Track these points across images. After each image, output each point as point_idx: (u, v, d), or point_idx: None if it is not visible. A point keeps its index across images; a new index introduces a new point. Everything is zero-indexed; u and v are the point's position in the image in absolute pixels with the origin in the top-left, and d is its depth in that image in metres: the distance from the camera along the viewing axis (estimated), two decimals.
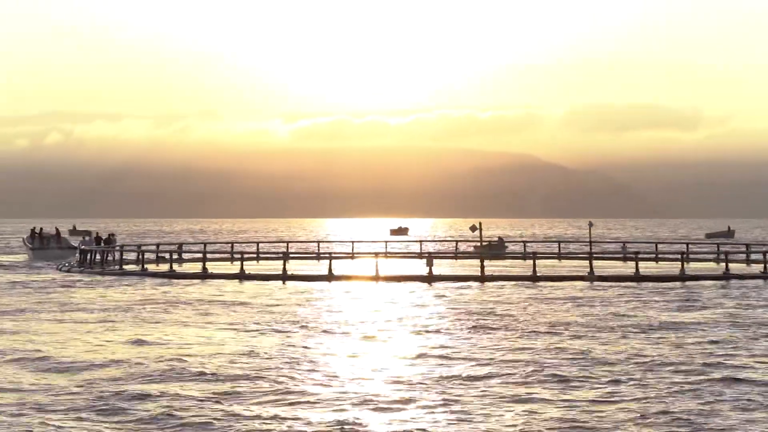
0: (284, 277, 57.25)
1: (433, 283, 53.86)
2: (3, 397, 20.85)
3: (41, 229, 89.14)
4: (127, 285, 53.59)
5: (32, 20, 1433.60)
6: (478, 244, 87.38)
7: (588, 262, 68.06)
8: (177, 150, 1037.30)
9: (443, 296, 46.18)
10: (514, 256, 77.72)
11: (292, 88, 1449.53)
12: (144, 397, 20.64)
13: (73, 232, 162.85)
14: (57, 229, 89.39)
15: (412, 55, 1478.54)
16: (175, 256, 70.48)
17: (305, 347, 28.60)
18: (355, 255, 74.61)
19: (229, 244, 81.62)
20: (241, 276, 58.23)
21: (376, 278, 55.84)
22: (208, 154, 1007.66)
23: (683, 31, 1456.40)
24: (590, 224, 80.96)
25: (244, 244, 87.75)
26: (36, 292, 49.23)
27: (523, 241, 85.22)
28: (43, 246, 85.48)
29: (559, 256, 76.02)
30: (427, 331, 32.42)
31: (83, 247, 70.20)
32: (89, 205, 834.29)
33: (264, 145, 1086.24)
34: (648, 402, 20.03)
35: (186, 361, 25.46)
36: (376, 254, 62.00)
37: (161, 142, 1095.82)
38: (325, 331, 32.69)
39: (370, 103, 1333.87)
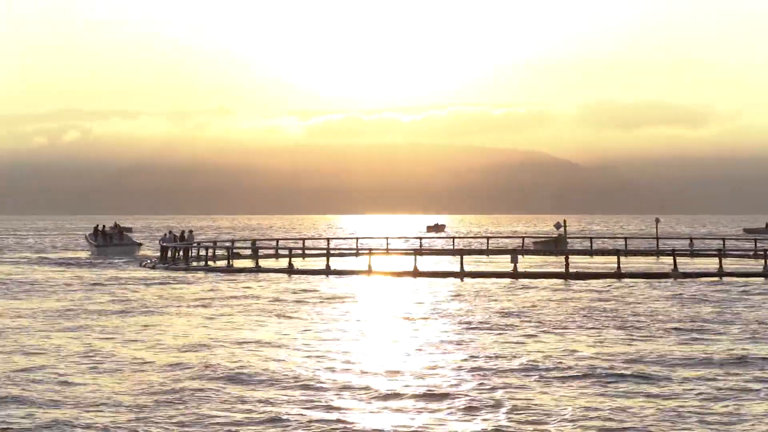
0: (415, 273, 56.99)
1: (519, 280, 53.68)
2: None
3: (104, 226, 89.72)
4: (233, 280, 53.95)
5: (50, 19, 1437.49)
6: (538, 240, 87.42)
7: (657, 258, 68.25)
8: (192, 147, 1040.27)
9: (545, 294, 45.92)
10: (579, 252, 77.38)
11: (305, 86, 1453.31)
12: None
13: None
14: (119, 227, 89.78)
15: (424, 53, 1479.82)
16: (243, 252, 71.18)
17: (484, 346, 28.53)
18: (423, 252, 74.49)
19: (301, 240, 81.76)
20: (328, 272, 58.50)
21: (461, 275, 55.74)
22: (222, 150, 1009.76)
23: (693, 29, 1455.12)
24: (657, 221, 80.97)
25: (316, 241, 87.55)
26: (152, 288, 49.31)
27: (590, 237, 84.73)
28: (106, 243, 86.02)
29: (626, 252, 75.71)
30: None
31: (164, 244, 70.55)
32: (105, 201, 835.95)
33: (277, 141, 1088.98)
34: None
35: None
36: (460, 251, 62.08)
37: (176, 139, 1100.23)
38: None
39: (382, 100, 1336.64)
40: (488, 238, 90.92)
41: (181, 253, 67.86)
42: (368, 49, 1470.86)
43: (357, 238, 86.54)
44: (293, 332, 31.56)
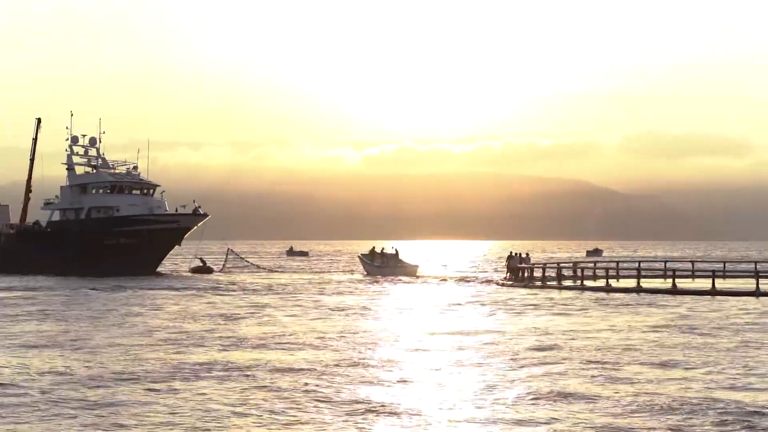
0: (714, 292, 56.53)
1: None
2: None
3: (383, 248, 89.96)
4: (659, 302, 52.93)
5: (119, 55, 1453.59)
6: None
7: None
8: (255, 176, 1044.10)
9: None
10: None
11: (361, 117, 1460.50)
12: None
13: (290, 252, 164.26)
14: (396, 249, 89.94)
15: (474, 86, 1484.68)
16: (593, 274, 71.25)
17: None
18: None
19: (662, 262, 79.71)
20: (714, 293, 57.68)
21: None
22: (284, 179, 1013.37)
23: (734, 66, 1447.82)
24: None
25: (676, 262, 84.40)
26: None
27: None
28: (384, 264, 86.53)
29: None
30: None
31: (519, 265, 70.92)
32: None
33: (336, 171, 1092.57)
34: None
35: None
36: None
37: (240, 168, 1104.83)
38: None
39: (435, 131, 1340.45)
40: (725, 262, 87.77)
41: (533, 273, 68.46)
42: (421, 82, 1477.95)
43: (725, 263, 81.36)
44: None
